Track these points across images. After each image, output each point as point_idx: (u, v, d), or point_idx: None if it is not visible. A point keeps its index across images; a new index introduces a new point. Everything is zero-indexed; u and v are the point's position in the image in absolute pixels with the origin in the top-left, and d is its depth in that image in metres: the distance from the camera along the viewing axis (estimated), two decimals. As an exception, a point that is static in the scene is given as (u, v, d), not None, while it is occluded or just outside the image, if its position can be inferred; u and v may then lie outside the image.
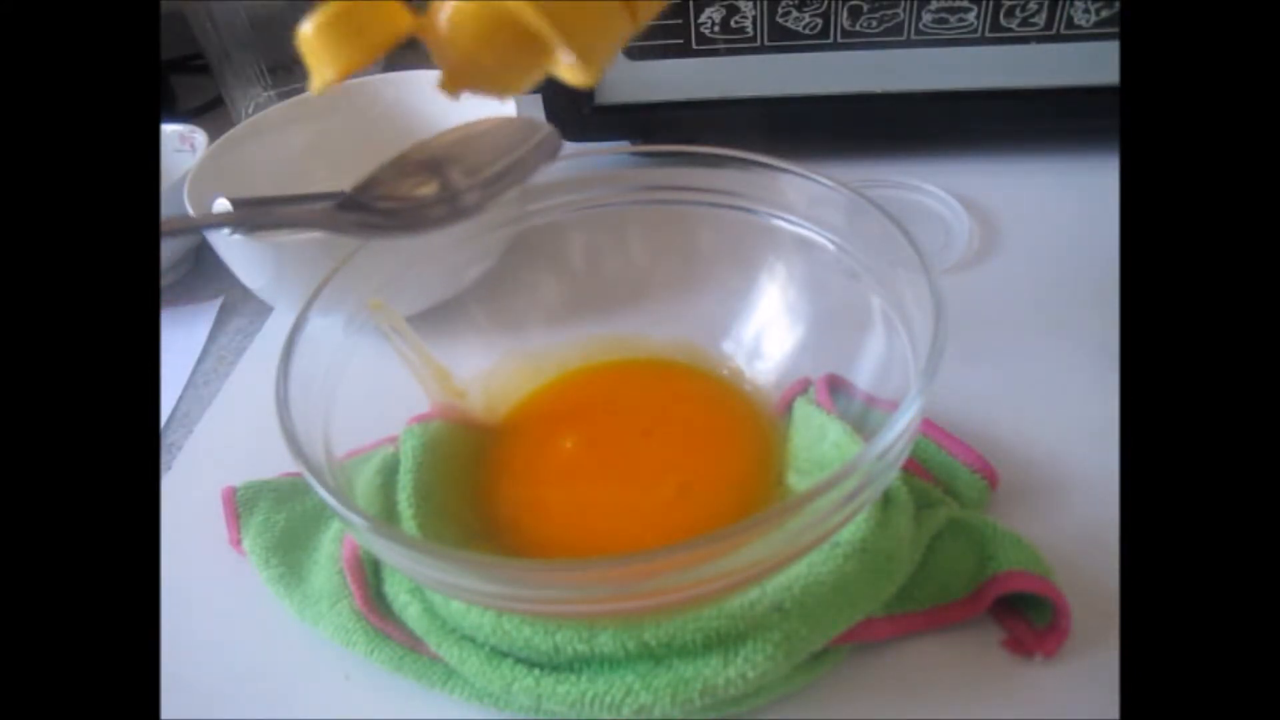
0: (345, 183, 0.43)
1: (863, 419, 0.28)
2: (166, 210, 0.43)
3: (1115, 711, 0.17)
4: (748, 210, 0.32)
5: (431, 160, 0.25)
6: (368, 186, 0.25)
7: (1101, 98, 0.43)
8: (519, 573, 0.21)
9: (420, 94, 0.46)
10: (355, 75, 0.20)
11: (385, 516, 0.28)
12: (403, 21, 0.20)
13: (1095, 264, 0.39)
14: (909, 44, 0.44)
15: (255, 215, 0.25)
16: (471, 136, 0.26)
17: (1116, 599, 0.26)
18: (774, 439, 0.31)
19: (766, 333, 0.33)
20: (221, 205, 0.35)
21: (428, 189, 0.25)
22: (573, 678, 0.24)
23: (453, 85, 0.21)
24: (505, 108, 0.42)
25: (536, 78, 0.21)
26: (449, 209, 0.24)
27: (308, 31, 0.19)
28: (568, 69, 0.20)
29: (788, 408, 0.31)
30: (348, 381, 0.28)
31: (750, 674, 0.23)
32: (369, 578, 0.28)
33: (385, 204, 0.24)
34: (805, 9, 0.43)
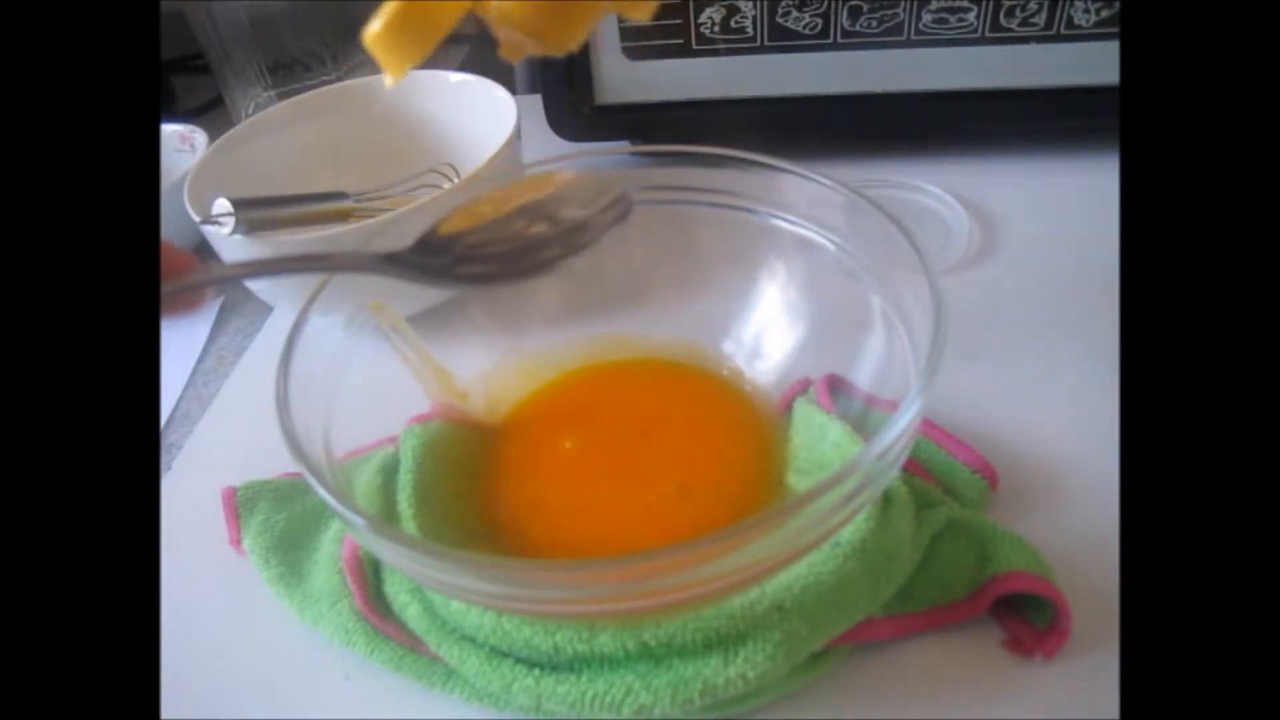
0: (345, 183, 0.43)
1: (863, 419, 0.28)
2: (166, 210, 0.43)
3: (1115, 711, 0.17)
4: (748, 210, 0.32)
5: (519, 210, 0.26)
6: (451, 239, 0.25)
7: (1101, 98, 0.43)
8: (519, 573, 0.21)
9: (419, 94, 0.47)
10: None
11: (385, 516, 0.28)
12: (457, 3, 0.20)
13: (1095, 264, 0.39)
14: (909, 44, 0.44)
15: (313, 264, 0.26)
16: (541, 188, 0.27)
17: (1116, 599, 0.26)
18: (774, 439, 0.31)
19: (766, 333, 0.33)
20: (221, 205, 0.35)
21: (539, 229, 0.25)
22: (573, 678, 0.24)
23: (512, 53, 0.22)
24: (507, 110, 0.42)
25: (594, 23, 0.22)
26: (563, 248, 0.25)
27: (375, 30, 0.20)
28: (625, 7, 0.21)
29: (788, 408, 0.31)
30: (348, 381, 0.28)
31: (750, 674, 0.23)
32: (369, 578, 0.28)
33: (495, 249, 0.25)
34: (805, 9, 0.43)
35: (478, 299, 0.35)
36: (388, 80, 0.21)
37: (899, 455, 0.22)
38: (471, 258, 0.24)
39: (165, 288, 0.20)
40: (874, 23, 0.43)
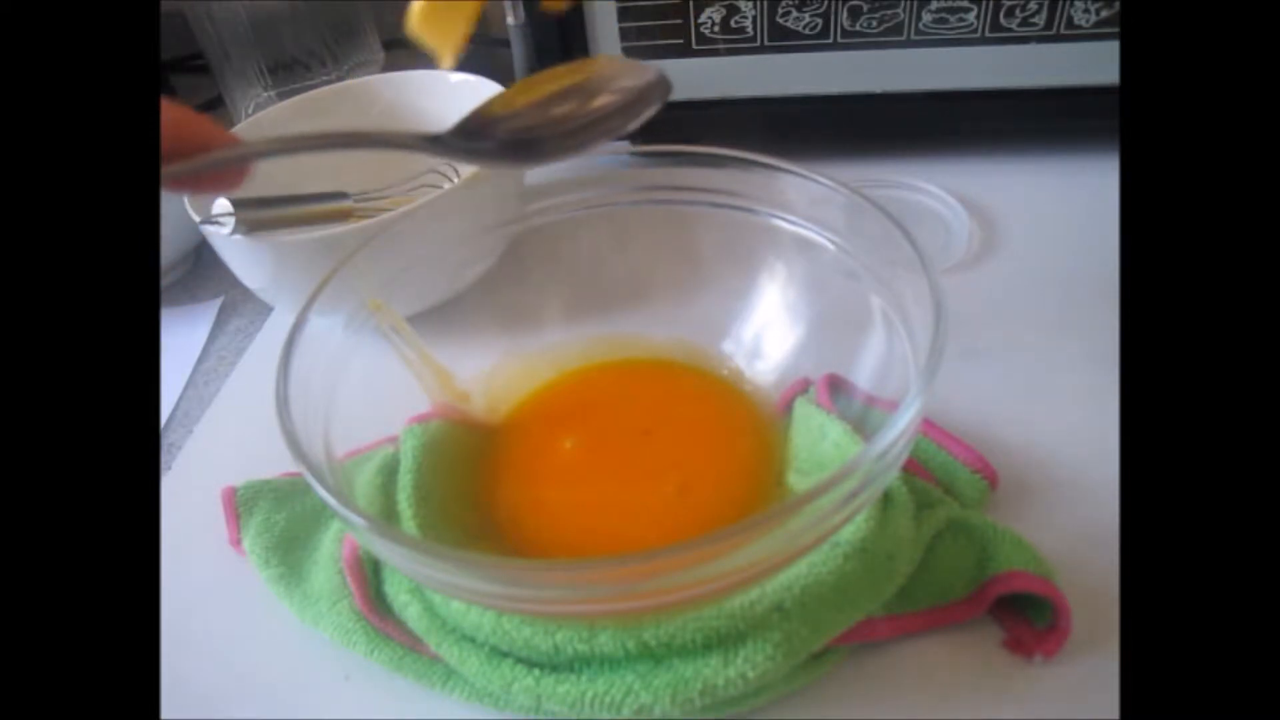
0: (345, 183, 0.43)
1: (863, 419, 0.28)
2: (166, 209, 0.43)
3: (1115, 712, 0.17)
4: (748, 210, 0.32)
5: (564, 93, 0.25)
6: (493, 122, 0.25)
7: (1101, 98, 0.43)
8: (519, 573, 0.21)
9: (419, 94, 0.46)
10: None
11: (385, 516, 0.28)
12: None
13: (1095, 264, 0.39)
14: (909, 44, 0.44)
15: (353, 140, 0.26)
16: (581, 71, 0.26)
17: (1116, 599, 0.26)
18: (774, 439, 0.31)
19: (766, 333, 0.33)
20: (221, 205, 0.35)
21: (601, 101, 0.25)
22: (573, 678, 0.24)
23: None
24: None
25: None
26: (625, 118, 0.25)
27: (414, 17, 0.22)
28: None
29: (788, 408, 0.31)
30: (348, 381, 0.28)
31: (750, 674, 0.23)
32: (369, 578, 0.28)
33: (540, 133, 0.24)
34: (805, 9, 0.43)
35: (477, 299, 0.35)
36: (445, 63, 0.22)
37: (899, 455, 0.22)
38: (517, 142, 0.24)
39: (198, 164, 0.21)
40: (874, 23, 0.43)
